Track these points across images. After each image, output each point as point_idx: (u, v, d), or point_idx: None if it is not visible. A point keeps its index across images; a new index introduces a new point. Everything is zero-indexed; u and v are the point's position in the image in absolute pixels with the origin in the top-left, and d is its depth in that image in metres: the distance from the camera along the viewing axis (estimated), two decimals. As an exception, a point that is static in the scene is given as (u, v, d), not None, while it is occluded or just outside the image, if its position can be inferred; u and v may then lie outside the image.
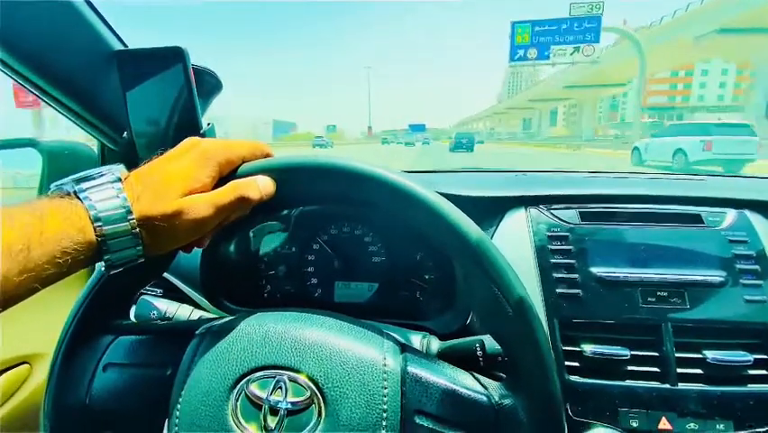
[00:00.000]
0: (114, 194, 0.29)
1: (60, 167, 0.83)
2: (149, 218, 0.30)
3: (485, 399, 0.34)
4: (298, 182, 0.38)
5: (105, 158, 0.75)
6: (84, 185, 0.30)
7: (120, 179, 0.31)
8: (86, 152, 0.80)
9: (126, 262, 0.31)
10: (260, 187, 0.35)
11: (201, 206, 0.32)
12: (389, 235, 0.72)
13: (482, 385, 0.35)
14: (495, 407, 0.34)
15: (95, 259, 0.29)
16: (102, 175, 0.30)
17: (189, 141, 0.35)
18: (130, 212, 0.29)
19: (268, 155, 0.38)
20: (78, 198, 0.29)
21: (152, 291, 0.71)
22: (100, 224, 0.28)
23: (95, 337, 0.39)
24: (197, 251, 0.67)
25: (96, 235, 0.28)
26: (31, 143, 0.85)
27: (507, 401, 0.34)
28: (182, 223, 0.31)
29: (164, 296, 0.70)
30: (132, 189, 0.30)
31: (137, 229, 0.30)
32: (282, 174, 0.37)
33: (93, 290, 0.39)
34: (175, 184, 0.32)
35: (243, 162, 0.37)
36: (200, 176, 0.33)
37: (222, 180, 0.35)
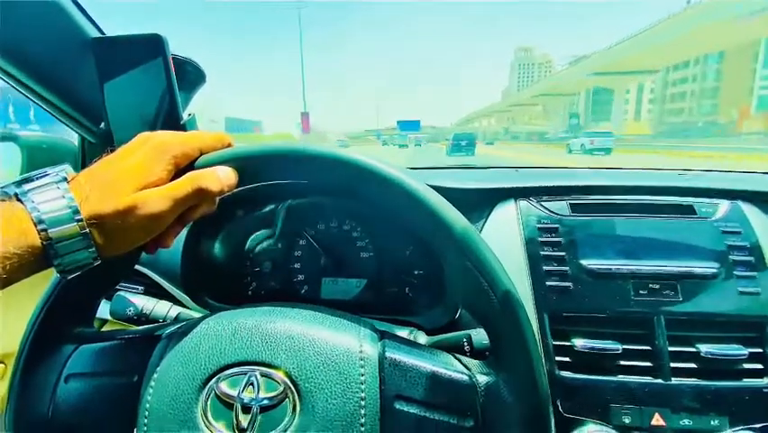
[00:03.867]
0: (60, 194, 0.28)
1: (40, 161, 0.80)
2: (99, 217, 0.28)
3: (467, 378, 0.33)
4: (262, 171, 0.36)
5: (86, 151, 0.73)
6: (26, 186, 0.28)
7: (66, 179, 0.29)
8: (65, 146, 0.77)
9: (80, 266, 0.29)
10: (220, 177, 0.33)
11: (155, 200, 0.30)
12: (378, 230, 0.70)
13: (464, 365, 0.34)
14: (477, 386, 0.32)
15: (43, 264, 0.28)
16: (46, 175, 0.29)
17: (142, 135, 0.33)
18: (77, 212, 0.27)
19: (229, 146, 0.36)
20: (20, 200, 0.27)
21: (133, 288, 0.69)
22: (44, 226, 0.27)
23: (55, 348, 0.37)
24: (178, 245, 0.65)
25: (41, 239, 0.27)
26: (10, 137, 0.83)
27: (489, 379, 0.33)
28: (137, 219, 0.29)
29: (145, 292, 0.68)
30: (81, 189, 0.29)
31: (86, 230, 0.28)
32: (243, 163, 0.35)
33: (50, 298, 0.37)
34: (127, 179, 0.30)
35: (202, 155, 0.35)
36: (154, 170, 0.31)
37: (179, 175, 0.33)
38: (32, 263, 0.27)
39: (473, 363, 0.34)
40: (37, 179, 0.29)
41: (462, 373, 0.33)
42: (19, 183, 0.28)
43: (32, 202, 0.27)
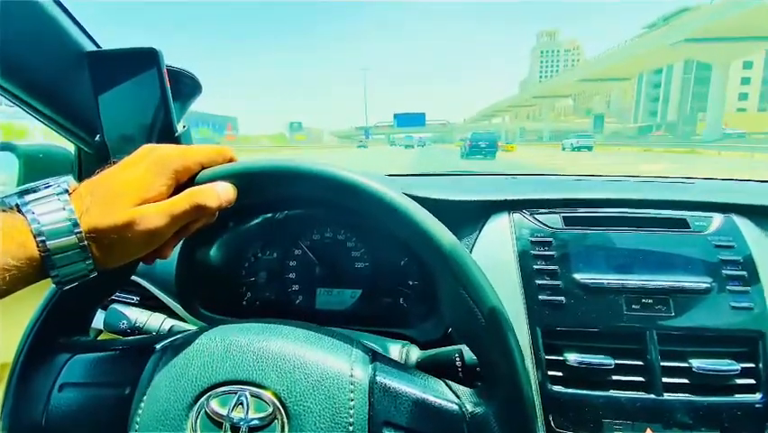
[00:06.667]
0: (60, 206, 0.28)
1: (37, 170, 0.80)
2: (98, 230, 0.29)
3: (456, 408, 0.33)
4: (261, 187, 0.37)
5: (82, 160, 0.73)
6: (27, 198, 0.28)
7: (67, 191, 0.29)
8: (62, 155, 0.78)
9: (77, 278, 0.29)
10: (218, 193, 0.34)
11: (154, 215, 0.31)
12: (373, 241, 0.70)
13: (454, 393, 0.34)
14: (467, 417, 0.32)
15: (40, 275, 0.28)
16: (47, 187, 0.29)
17: (145, 147, 0.34)
18: (76, 224, 0.28)
19: (231, 160, 0.37)
20: (21, 211, 0.28)
21: (128, 299, 0.69)
22: (43, 238, 0.27)
23: (50, 356, 0.37)
24: (174, 256, 0.66)
25: (40, 250, 0.27)
26: (7, 147, 0.83)
27: (478, 410, 0.33)
28: (134, 234, 0.30)
29: (140, 303, 0.68)
30: (81, 201, 0.29)
31: (85, 242, 0.28)
32: (242, 179, 0.35)
33: (47, 307, 0.38)
34: (127, 193, 0.30)
35: (203, 169, 0.35)
36: (154, 184, 0.32)
37: (180, 189, 0.33)
38: (30, 275, 0.27)
39: (463, 391, 0.34)
40: (39, 190, 0.29)
41: (452, 401, 0.33)
42: (21, 194, 0.29)
43: (33, 213, 0.28)
